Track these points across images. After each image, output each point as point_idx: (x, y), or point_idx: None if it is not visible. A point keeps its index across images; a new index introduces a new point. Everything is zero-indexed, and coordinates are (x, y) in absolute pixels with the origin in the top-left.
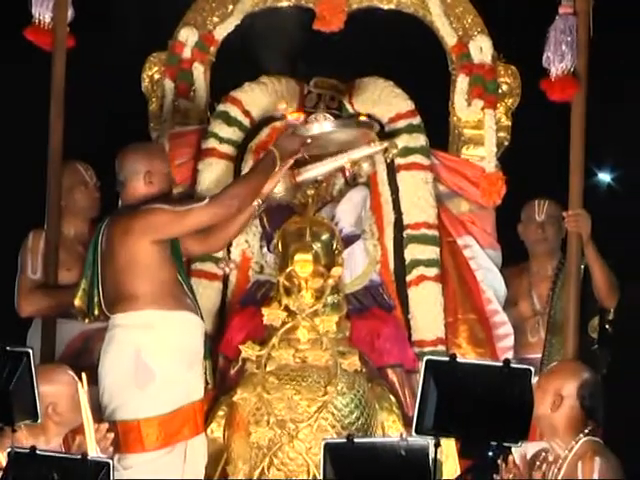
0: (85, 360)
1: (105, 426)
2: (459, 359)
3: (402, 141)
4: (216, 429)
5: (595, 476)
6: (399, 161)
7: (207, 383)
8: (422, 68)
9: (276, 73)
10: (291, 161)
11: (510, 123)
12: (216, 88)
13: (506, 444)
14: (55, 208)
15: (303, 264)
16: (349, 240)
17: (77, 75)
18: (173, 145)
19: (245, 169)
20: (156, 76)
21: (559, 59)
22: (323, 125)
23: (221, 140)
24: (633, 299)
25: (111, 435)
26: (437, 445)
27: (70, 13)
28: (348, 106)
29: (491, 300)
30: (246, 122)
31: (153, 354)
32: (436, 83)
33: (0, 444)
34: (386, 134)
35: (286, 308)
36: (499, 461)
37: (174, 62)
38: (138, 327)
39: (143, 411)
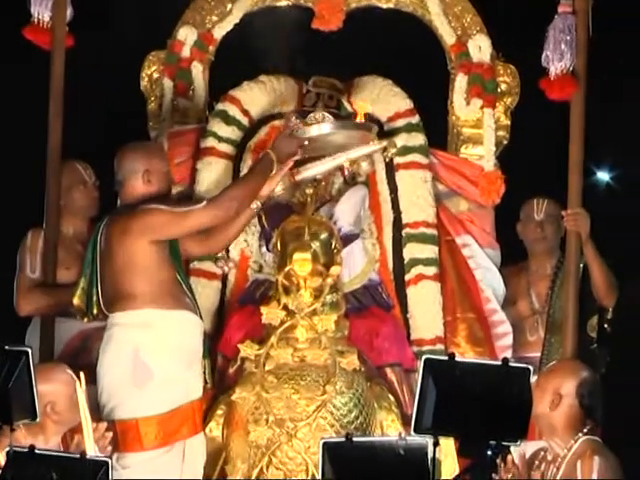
0: (84, 359)
1: (103, 425)
2: (458, 358)
3: (401, 140)
4: (215, 428)
5: (594, 475)
6: (398, 160)
7: (206, 382)
8: (421, 67)
9: (275, 72)
10: (290, 163)
11: (509, 122)
12: (215, 87)
13: (505, 443)
14: (54, 207)
15: (302, 263)
16: (348, 239)
17: (76, 74)
18: (172, 144)
19: (244, 168)
20: (155, 75)
21: (558, 58)
22: (321, 127)
23: (220, 139)
24: (632, 298)
25: (109, 434)
26: (436, 444)
27: (69, 12)
28: (347, 105)
29: (490, 299)
30: (245, 121)
31: (152, 353)
32: (435, 82)
33: None
34: (385, 133)
35: (285, 307)
36: (498, 460)
37: (173, 61)
38: (136, 326)
39: (141, 410)
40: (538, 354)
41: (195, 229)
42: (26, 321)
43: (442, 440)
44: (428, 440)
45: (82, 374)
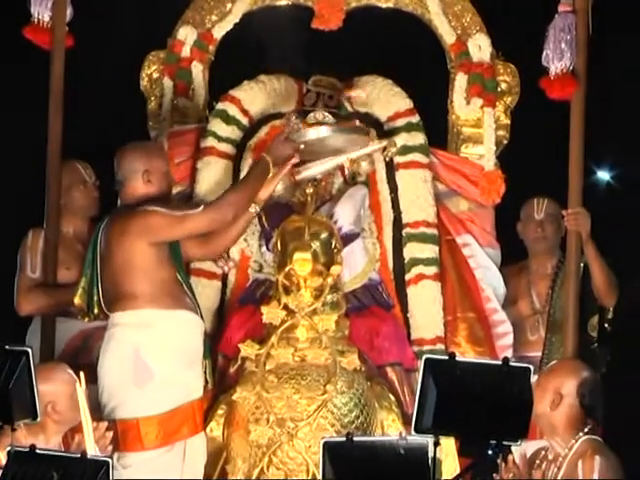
0: (84, 359)
1: (104, 425)
2: (458, 358)
3: (401, 139)
4: (215, 428)
5: (595, 475)
6: (398, 159)
7: (207, 382)
8: (421, 66)
9: (275, 72)
10: (288, 166)
11: (509, 121)
12: (215, 87)
13: (506, 443)
14: (54, 207)
15: (302, 263)
16: (348, 239)
17: (76, 74)
18: (172, 144)
19: (244, 168)
20: (155, 75)
21: (558, 57)
22: (319, 130)
23: (220, 139)
24: (632, 298)
25: (110, 434)
26: (436, 444)
27: (69, 12)
28: (347, 105)
29: (490, 299)
30: (245, 121)
31: (152, 353)
32: (435, 81)
33: (0, 443)
34: (385, 132)
35: (285, 307)
36: (499, 460)
37: (173, 61)
38: (137, 326)
39: (142, 410)
40: (539, 354)
41: (192, 233)
42: (27, 321)
43: (443, 440)
44: (429, 440)
45: (82, 374)
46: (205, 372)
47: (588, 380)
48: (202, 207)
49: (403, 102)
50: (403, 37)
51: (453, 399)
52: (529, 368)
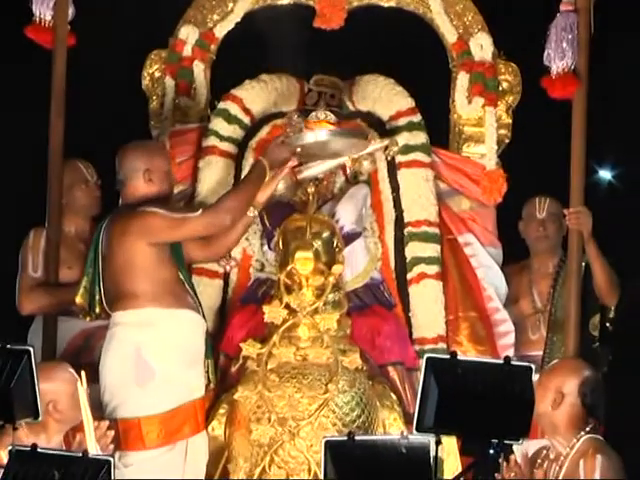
0: (86, 358)
1: (105, 424)
2: (460, 357)
3: (403, 139)
4: (217, 427)
5: (597, 474)
6: (400, 159)
7: (209, 382)
8: (422, 66)
9: (276, 71)
10: (285, 170)
11: (511, 121)
12: (216, 86)
13: (507, 442)
14: (56, 206)
15: (304, 262)
16: (350, 238)
17: (78, 73)
18: (174, 143)
19: (246, 167)
20: (157, 74)
21: (560, 56)
22: (317, 134)
23: (221, 138)
24: (634, 297)
25: (111, 433)
26: (438, 443)
27: (71, 11)
28: (348, 104)
29: (492, 298)
30: (246, 120)
31: (153, 352)
32: (437, 81)
33: (1, 442)
34: (387, 132)
35: (287, 306)
36: (500, 460)
37: (175, 60)
38: (138, 325)
39: (143, 409)
40: (540, 353)
41: (190, 236)
42: (28, 320)
43: (444, 439)
44: (430, 439)
45: (83, 373)
46: (208, 371)
47: (589, 379)
48: (200, 211)
49: (405, 101)
50: (405, 36)
51: (455, 398)
52: (530, 367)
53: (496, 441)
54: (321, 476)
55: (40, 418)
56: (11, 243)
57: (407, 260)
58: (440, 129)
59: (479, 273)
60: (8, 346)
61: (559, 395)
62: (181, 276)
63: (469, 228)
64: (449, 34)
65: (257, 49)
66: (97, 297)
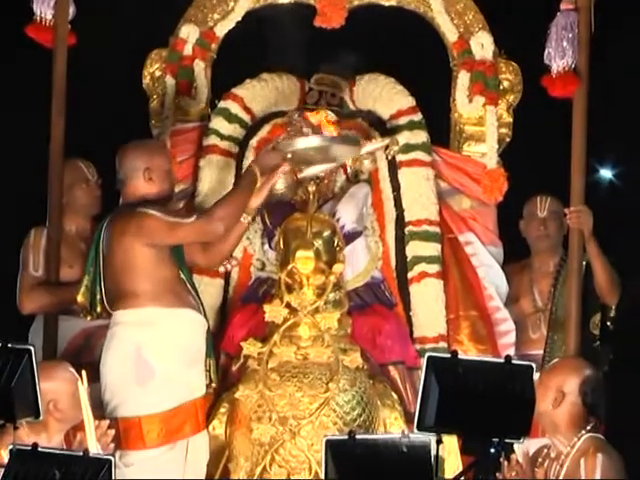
0: (87, 357)
1: (106, 423)
2: (461, 356)
3: (403, 138)
4: (218, 426)
5: (597, 473)
6: (400, 158)
7: (211, 381)
8: (423, 65)
9: (277, 70)
10: (277, 175)
11: (511, 119)
12: (217, 85)
13: (508, 440)
14: (57, 205)
15: (304, 261)
16: (350, 237)
17: (78, 72)
18: (174, 142)
19: (246, 166)
20: (157, 73)
21: (560, 55)
22: (308, 140)
23: (222, 137)
24: (635, 296)
25: (112, 432)
26: (439, 442)
27: (71, 10)
28: (349, 103)
29: (493, 297)
30: (247, 119)
31: (154, 351)
32: (437, 80)
33: (2, 441)
34: (387, 131)
35: (287, 305)
36: (501, 459)
37: (175, 59)
38: (139, 324)
39: (144, 408)
40: (541, 352)
41: (182, 242)
42: (29, 319)
43: (445, 438)
44: (431, 438)
45: (84, 372)
46: (209, 371)
47: (590, 378)
48: (194, 217)
49: (405, 100)
50: (405, 35)
51: (455, 397)
52: (531, 366)
53: (497, 440)
54: (322, 475)
55: (41, 417)
56: (12, 242)
57: (408, 259)
58: (441, 128)
59: (480, 272)
60: (9, 345)
61: (560, 394)
62: (182, 275)
63: (470, 227)
64: (450, 33)
65: (258, 48)
66: (98, 296)
